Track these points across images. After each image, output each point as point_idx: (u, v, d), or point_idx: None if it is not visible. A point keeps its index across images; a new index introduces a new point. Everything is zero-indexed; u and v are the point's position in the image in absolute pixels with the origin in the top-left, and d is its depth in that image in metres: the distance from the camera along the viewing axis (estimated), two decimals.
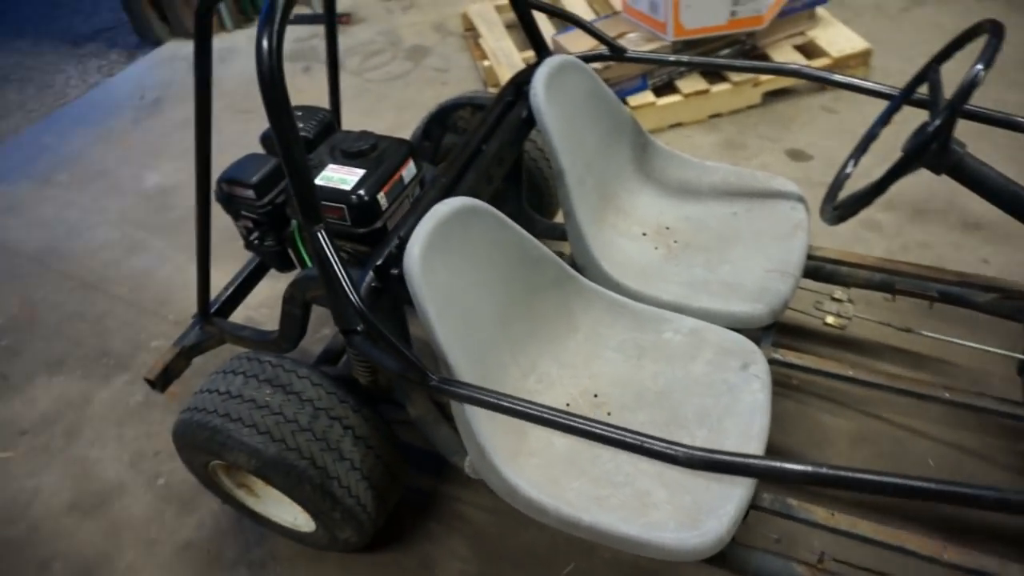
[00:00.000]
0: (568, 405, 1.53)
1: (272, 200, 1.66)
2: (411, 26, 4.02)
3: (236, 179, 1.64)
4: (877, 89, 1.65)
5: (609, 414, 1.50)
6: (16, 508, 2.00)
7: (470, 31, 3.65)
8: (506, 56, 3.15)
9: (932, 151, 1.28)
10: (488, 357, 1.46)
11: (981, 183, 1.29)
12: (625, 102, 2.81)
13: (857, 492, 1.28)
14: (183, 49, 4.24)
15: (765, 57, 2.91)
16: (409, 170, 1.61)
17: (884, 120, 1.53)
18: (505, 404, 1.11)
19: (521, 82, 1.75)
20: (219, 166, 1.66)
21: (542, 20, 3.27)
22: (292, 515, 1.68)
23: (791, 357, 1.64)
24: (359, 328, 1.27)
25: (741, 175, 1.93)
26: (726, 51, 2.87)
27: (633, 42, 2.80)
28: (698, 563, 1.35)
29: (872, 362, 1.96)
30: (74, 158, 3.46)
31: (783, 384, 1.95)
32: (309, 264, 1.73)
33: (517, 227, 1.49)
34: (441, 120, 2.07)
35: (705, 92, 2.81)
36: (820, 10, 3.02)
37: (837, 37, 2.96)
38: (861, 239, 2.31)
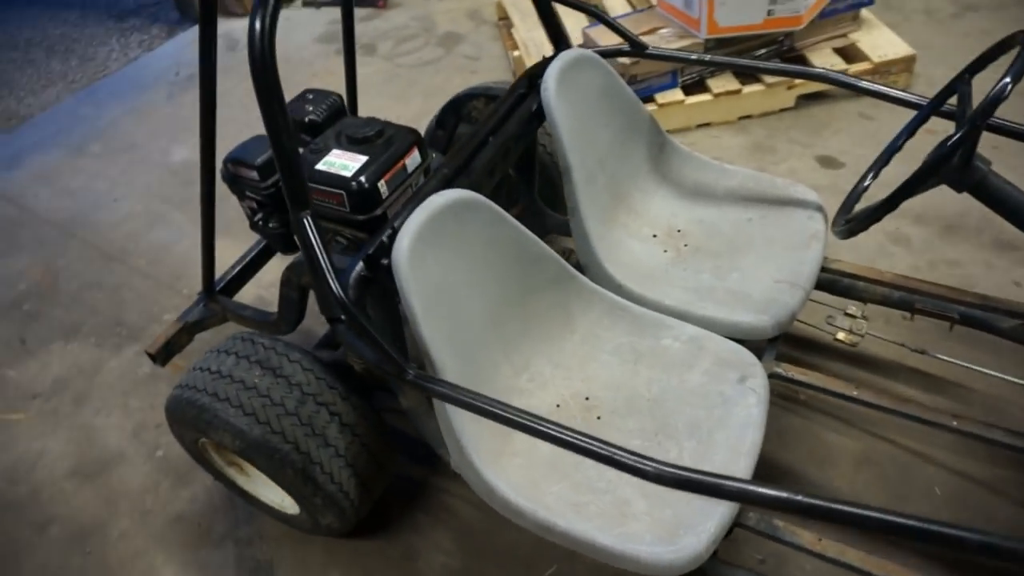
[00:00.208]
0: (559, 407, 1.50)
1: (276, 182, 1.65)
2: (446, 12, 4.00)
3: (241, 160, 1.63)
4: (906, 98, 1.57)
5: (599, 418, 1.47)
6: (20, 470, 2.05)
7: (504, 20, 3.61)
8: (536, 47, 3.10)
9: (953, 167, 1.22)
10: (478, 354, 1.44)
11: (1004, 204, 1.22)
12: (653, 99, 2.75)
13: (834, 523, 1.23)
14: (220, 27, 4.27)
15: (803, 59, 2.82)
16: (413, 159, 1.59)
17: (909, 132, 1.46)
18: (478, 403, 1.08)
19: (535, 75, 1.71)
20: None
21: (576, 12, 3.21)
22: (279, 497, 1.68)
23: (794, 372, 1.58)
24: (342, 316, 1.26)
25: (760, 180, 1.87)
26: (762, 51, 2.78)
27: (665, 38, 2.73)
28: None
29: (885, 382, 1.88)
30: (107, 130, 3.53)
31: (789, 399, 1.89)
32: None
33: (515, 223, 1.46)
34: (455, 110, 2.04)
35: (736, 92, 2.73)
36: (865, 12, 2.91)
37: (880, 41, 2.85)
38: (887, 253, 2.23)
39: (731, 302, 1.60)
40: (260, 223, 1.76)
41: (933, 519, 0.86)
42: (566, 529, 1.24)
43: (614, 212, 1.81)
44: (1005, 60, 1.24)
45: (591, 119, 1.71)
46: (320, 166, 1.53)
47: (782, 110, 2.81)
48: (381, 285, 1.37)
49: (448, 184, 1.47)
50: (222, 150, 1.64)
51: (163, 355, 1.86)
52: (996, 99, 1.07)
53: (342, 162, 1.53)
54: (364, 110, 2.32)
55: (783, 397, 1.90)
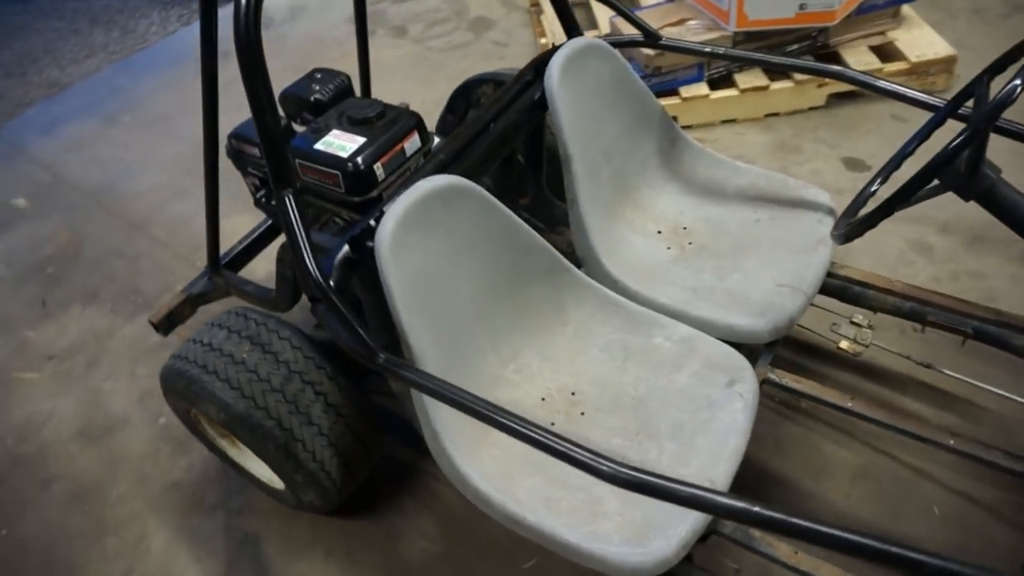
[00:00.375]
0: (544, 400, 1.48)
1: None
2: None
3: (244, 136, 1.64)
4: (924, 100, 1.50)
5: (583, 414, 1.45)
6: (31, 428, 2.12)
7: (535, 6, 3.56)
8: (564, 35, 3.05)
9: (960, 173, 1.16)
10: (463, 342, 1.43)
11: (1013, 214, 1.15)
12: (677, 92, 2.69)
13: (788, 536, 1.19)
14: None
15: (836, 56, 2.72)
16: (412, 143, 1.58)
17: (922, 136, 1.39)
18: (439, 389, 1.07)
19: (542, 63, 1.68)
20: None
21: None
22: (266, 471, 1.70)
23: (788, 380, 1.54)
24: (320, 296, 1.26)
25: (772, 180, 1.81)
26: (794, 47, 2.69)
27: (693, 30, 2.67)
28: None
29: (890, 395, 1.82)
30: (141, 101, 3.60)
31: (791, 407, 1.84)
32: None
33: (507, 211, 1.44)
34: (465, 95, 2.02)
35: (764, 89, 2.66)
36: (907, 9, 2.79)
37: (921, 40, 2.74)
38: (907, 261, 2.15)
39: (729, 304, 1.55)
40: (263, 200, 1.78)
41: (890, 539, 0.83)
42: (534, 524, 1.22)
43: (618, 206, 1.78)
44: None
45: (597, 109, 1.68)
46: (318, 145, 1.54)
47: (811, 108, 2.73)
48: (368, 268, 1.37)
49: (442, 170, 1.46)
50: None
51: (165, 325, 1.89)
52: (1003, 103, 1.01)
53: (340, 143, 1.53)
54: (390, 92, 2.32)
55: (785, 405, 1.85)
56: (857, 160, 2.52)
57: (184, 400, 1.57)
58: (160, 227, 2.78)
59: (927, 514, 1.61)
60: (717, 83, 2.72)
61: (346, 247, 1.33)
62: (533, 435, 0.98)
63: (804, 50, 2.70)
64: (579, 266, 1.64)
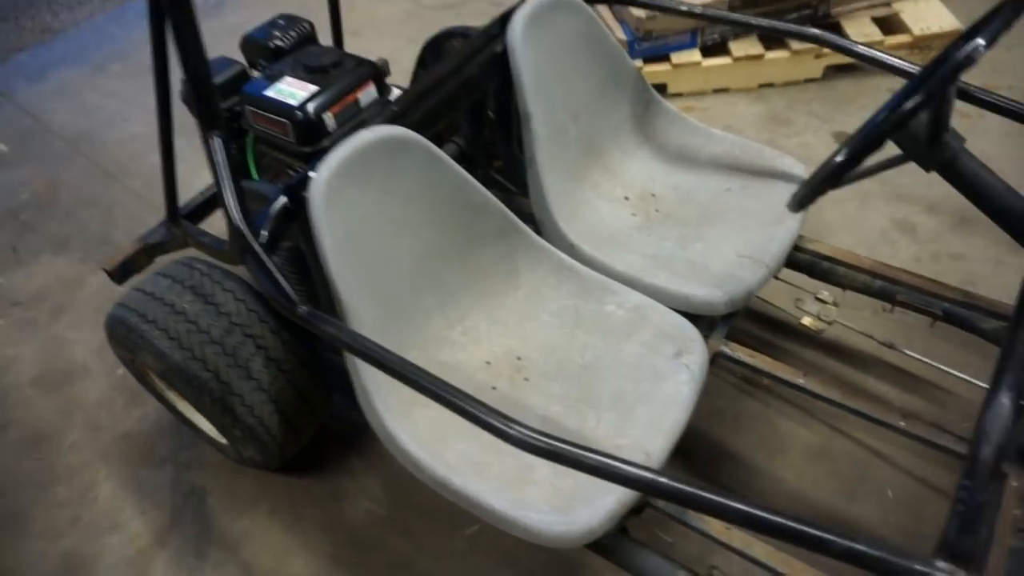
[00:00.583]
0: (489, 364, 1.44)
1: (233, 106, 1.61)
2: None
3: None
4: (903, 67, 1.43)
5: (526, 379, 1.41)
6: None
7: None
8: None
9: (920, 141, 1.09)
10: (407, 302, 1.38)
11: (974, 187, 1.09)
12: (668, 58, 2.60)
13: (694, 511, 1.15)
14: None
15: (836, 27, 2.62)
16: (367, 93, 1.53)
17: (894, 105, 1.32)
18: (358, 345, 1.03)
19: (509, 16, 1.62)
20: None
21: None
22: (210, 425, 1.68)
23: (742, 353, 1.49)
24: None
25: (747, 149, 1.75)
26: (793, 15, 2.59)
27: None
28: (586, 551, 1.27)
29: (855, 375, 1.77)
30: (130, 50, 3.54)
31: (752, 383, 1.79)
32: (255, 176, 1.69)
33: (458, 169, 1.39)
34: (436, 49, 1.95)
35: (758, 58, 2.56)
36: None
37: (927, 13, 2.63)
38: (888, 240, 2.08)
39: (687, 273, 1.50)
40: None
41: (801, 518, 0.79)
42: (460, 488, 1.19)
43: (585, 169, 1.72)
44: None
45: (564, 66, 1.61)
46: (269, 92, 1.49)
47: (807, 81, 2.64)
48: (307, 220, 1.32)
49: (393, 121, 1.40)
50: None
51: (120, 274, 1.85)
52: (961, 63, 0.94)
53: (291, 90, 1.48)
54: (378, 49, 2.24)
55: (747, 381, 1.81)
56: (848, 135, 2.43)
57: (124, 349, 1.54)
58: (138, 177, 2.74)
59: (880, 497, 1.57)
60: (711, 51, 2.62)
61: (283, 197, 1.28)
62: (441, 392, 0.94)
63: (804, 19, 2.60)
64: (539, 229, 1.59)
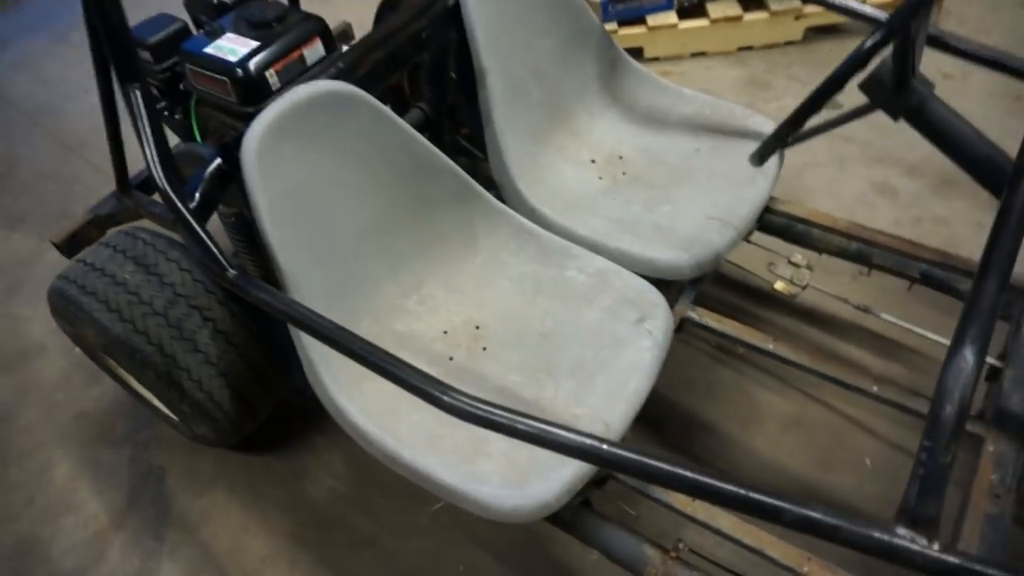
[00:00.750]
0: (446, 333, 1.38)
1: (173, 65, 1.53)
2: None
3: (135, 39, 1.50)
4: (873, 16, 1.35)
5: (485, 349, 1.35)
6: None
7: None
8: None
9: (887, 87, 1.03)
10: (356, 269, 1.32)
11: (942, 134, 1.03)
12: (644, 21, 2.51)
13: (635, 478, 1.10)
14: None
15: None
16: (314, 50, 1.44)
17: (863, 57, 1.25)
18: (290, 311, 0.97)
19: None
20: None
21: None
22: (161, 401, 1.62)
23: (709, 319, 1.43)
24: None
25: (718, 108, 1.68)
26: None
27: None
28: (547, 525, 1.22)
29: (832, 342, 1.71)
30: None
31: (726, 351, 1.74)
32: (199, 139, 1.61)
33: (407, 128, 1.31)
34: (392, 5, 1.86)
35: (737, 19, 2.48)
36: None
37: None
38: (867, 203, 2.02)
39: (653, 237, 1.44)
40: (166, 113, 1.65)
41: (754, 486, 0.73)
42: (410, 461, 1.14)
43: (550, 132, 1.65)
44: None
45: (522, 20, 1.53)
46: (208, 49, 1.40)
47: (788, 43, 2.55)
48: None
49: (339, 79, 1.32)
50: None
51: (69, 247, 1.77)
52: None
53: (232, 47, 1.39)
54: (346, 15, 2.16)
55: (721, 350, 1.75)
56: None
57: (66, 322, 1.48)
58: (97, 151, 2.64)
59: (858, 465, 1.52)
60: (688, 13, 2.54)
61: (218, 158, 1.21)
62: (370, 357, 0.87)
63: None
64: (500, 194, 1.53)
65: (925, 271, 1.51)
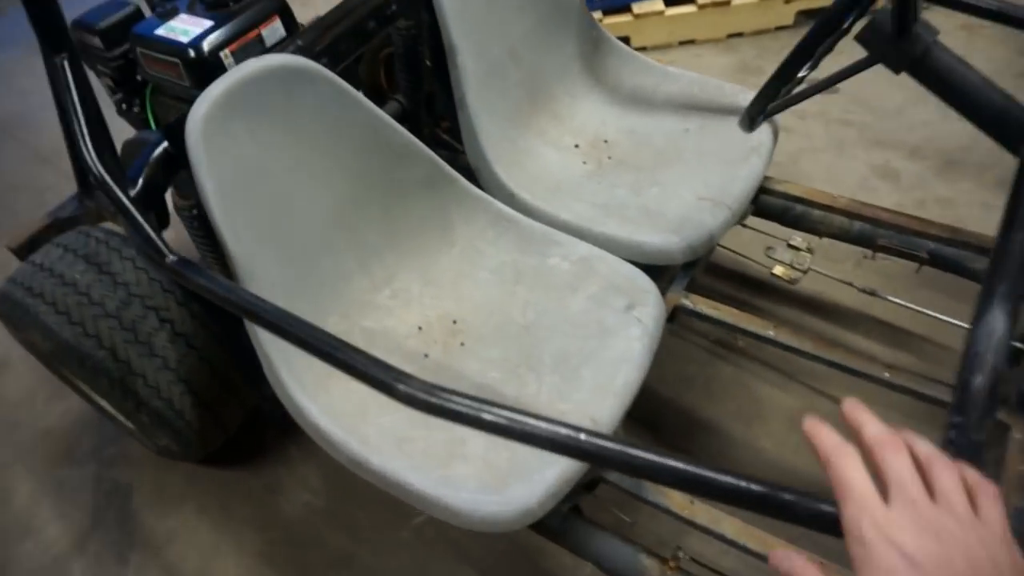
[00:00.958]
0: (421, 329, 1.28)
1: (125, 52, 1.44)
2: None
3: (83, 23, 1.42)
4: None
5: (462, 344, 1.25)
6: None
7: None
8: None
9: (886, 35, 0.93)
10: (321, 261, 1.22)
11: (948, 84, 0.93)
12: (629, 9, 2.43)
13: (629, 475, 0.99)
14: None
15: None
16: (272, 30, 1.36)
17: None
18: (232, 297, 0.87)
19: None
20: None
21: None
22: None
23: (704, 306, 1.33)
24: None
25: (706, 86, 1.58)
26: None
27: None
28: (535, 536, 1.11)
29: (838, 332, 1.61)
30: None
31: (725, 345, 1.64)
32: (153, 127, 1.52)
33: (372, 106, 1.22)
34: None
35: (725, 4, 2.40)
36: None
37: None
38: (868, 187, 1.92)
39: (640, 220, 1.34)
40: (123, 107, 1.56)
41: (757, 478, 0.63)
42: (378, 466, 1.03)
43: (530, 115, 1.55)
44: None
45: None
46: (160, 31, 1.32)
47: (779, 28, 2.47)
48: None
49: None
50: None
51: (26, 252, 1.67)
52: None
53: (184, 27, 1.31)
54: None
55: (720, 344, 1.65)
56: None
57: (14, 328, 1.38)
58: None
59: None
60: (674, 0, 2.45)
61: (164, 143, 1.11)
62: (311, 340, 0.77)
63: None
64: (476, 179, 1.43)
65: (934, 250, 1.41)
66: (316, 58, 1.21)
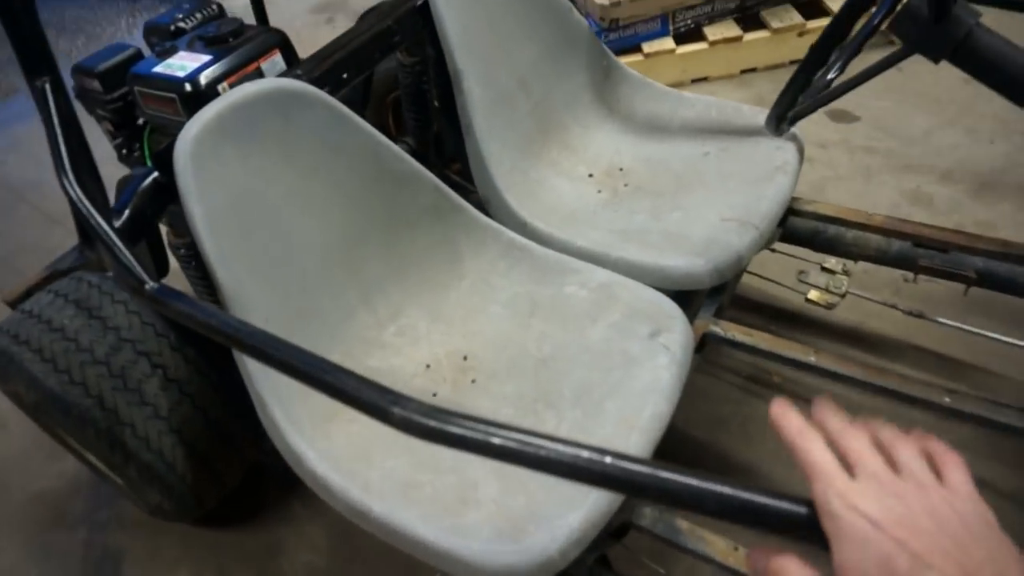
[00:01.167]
0: (429, 367, 1.19)
1: (124, 95, 1.40)
2: None
3: (83, 67, 1.39)
4: None
5: (473, 382, 1.15)
6: None
7: None
8: None
9: (923, 20, 0.86)
10: (320, 295, 1.14)
11: (998, 68, 0.84)
12: (640, 48, 2.41)
13: (665, 506, 0.87)
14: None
15: (818, 2, 2.43)
16: (272, 63, 1.32)
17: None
18: (210, 321, 0.78)
19: None
20: None
21: None
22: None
23: (735, 332, 1.22)
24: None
25: (724, 109, 1.52)
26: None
27: None
28: None
29: (880, 362, 1.49)
30: None
31: (760, 382, 1.52)
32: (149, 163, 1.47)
33: (372, 131, 1.16)
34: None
35: (736, 40, 2.36)
36: None
37: None
38: (901, 214, 1.80)
39: (662, 244, 1.25)
40: (124, 151, 1.52)
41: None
42: (381, 515, 0.92)
43: (542, 147, 1.50)
44: None
45: (502, 22, 1.40)
46: (157, 68, 1.28)
47: (792, 62, 2.43)
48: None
49: None
50: None
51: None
52: None
53: (182, 63, 1.27)
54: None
55: (753, 380, 1.53)
56: (843, 111, 2.21)
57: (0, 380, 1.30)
58: None
59: None
60: (685, 38, 2.43)
61: (155, 173, 1.05)
62: (299, 366, 0.68)
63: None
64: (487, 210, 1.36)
65: (983, 268, 1.30)
66: (317, 85, 1.16)
